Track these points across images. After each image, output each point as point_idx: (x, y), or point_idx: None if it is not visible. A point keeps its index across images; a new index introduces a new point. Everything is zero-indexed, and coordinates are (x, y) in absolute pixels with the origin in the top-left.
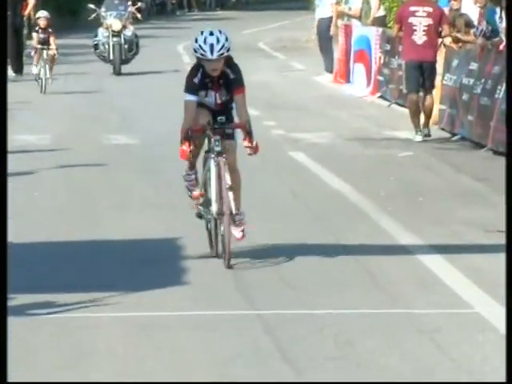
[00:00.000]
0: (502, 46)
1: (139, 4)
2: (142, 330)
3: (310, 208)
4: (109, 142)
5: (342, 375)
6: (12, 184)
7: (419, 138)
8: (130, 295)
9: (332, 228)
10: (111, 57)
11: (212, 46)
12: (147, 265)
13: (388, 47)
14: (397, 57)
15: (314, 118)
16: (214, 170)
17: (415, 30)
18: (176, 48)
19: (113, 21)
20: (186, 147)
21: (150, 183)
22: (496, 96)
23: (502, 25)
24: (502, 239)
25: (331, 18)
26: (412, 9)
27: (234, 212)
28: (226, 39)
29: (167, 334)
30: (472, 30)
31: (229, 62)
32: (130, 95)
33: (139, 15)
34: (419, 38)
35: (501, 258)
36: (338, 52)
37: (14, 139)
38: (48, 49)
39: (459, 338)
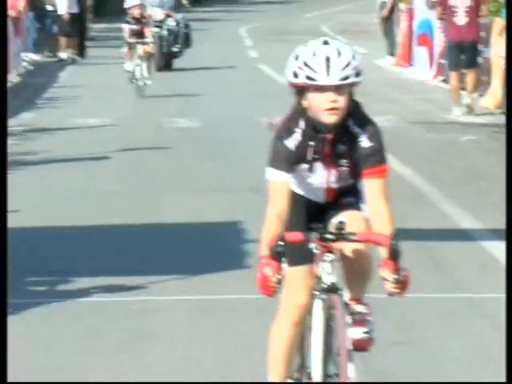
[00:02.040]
0: None
1: None
2: (203, 313)
3: None
4: (171, 125)
5: (406, 360)
6: (74, 167)
7: (458, 112)
8: (191, 278)
9: (395, 212)
10: (152, 50)
11: (328, 61)
12: (208, 248)
13: None
14: None
15: (376, 102)
16: (320, 317)
17: (456, 12)
18: (238, 31)
19: (153, 10)
20: (269, 271)
21: (211, 166)
22: None
23: None
24: None
25: (394, 0)
26: None
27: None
28: (354, 57)
29: (229, 317)
30: None
31: (357, 114)
32: (190, 77)
33: (186, 2)
34: (460, 19)
35: None
36: (400, 35)
37: (75, 123)
38: (143, 43)
39: None
